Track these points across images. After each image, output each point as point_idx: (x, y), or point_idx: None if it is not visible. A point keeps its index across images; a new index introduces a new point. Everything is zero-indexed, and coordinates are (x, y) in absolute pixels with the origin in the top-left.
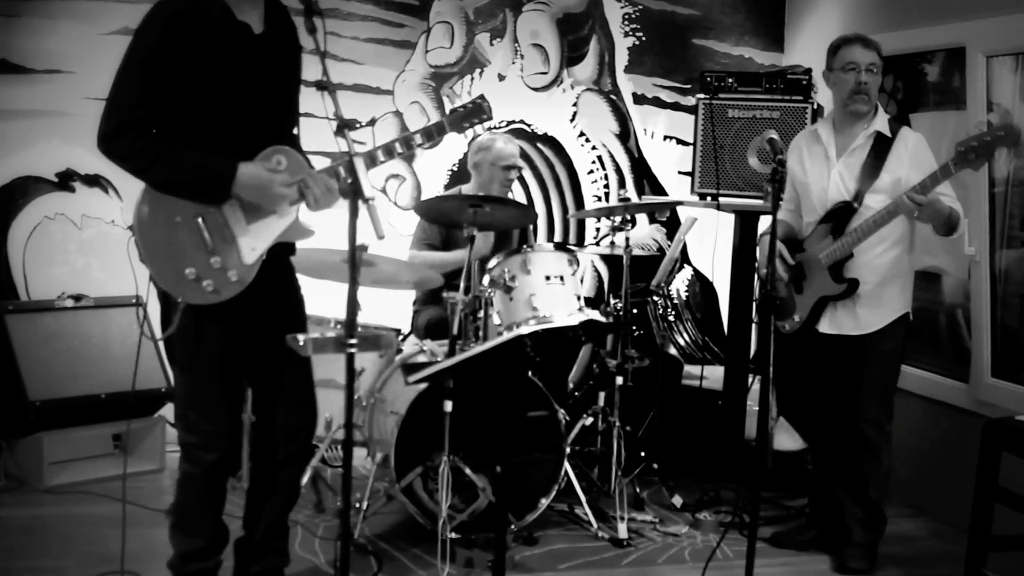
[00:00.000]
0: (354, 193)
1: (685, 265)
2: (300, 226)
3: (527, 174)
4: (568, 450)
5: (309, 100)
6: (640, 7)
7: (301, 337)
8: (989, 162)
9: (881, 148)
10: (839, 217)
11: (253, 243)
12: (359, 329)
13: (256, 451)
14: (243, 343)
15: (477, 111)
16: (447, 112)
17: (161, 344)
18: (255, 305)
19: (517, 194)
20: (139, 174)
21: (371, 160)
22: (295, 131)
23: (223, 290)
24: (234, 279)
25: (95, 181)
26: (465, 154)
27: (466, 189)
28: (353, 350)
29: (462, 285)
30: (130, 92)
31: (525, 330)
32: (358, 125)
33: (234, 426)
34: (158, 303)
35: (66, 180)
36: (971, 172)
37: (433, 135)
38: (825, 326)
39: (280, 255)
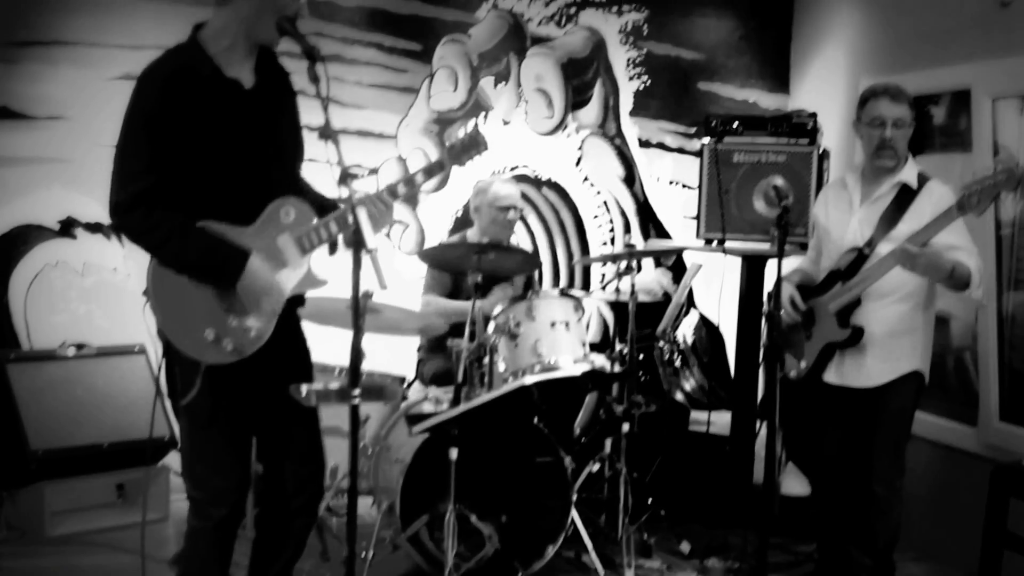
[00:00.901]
0: (356, 243)
1: (691, 310)
2: (313, 276)
3: (532, 219)
4: (575, 497)
5: (311, 146)
6: (645, 51)
7: (304, 388)
8: (995, 205)
9: (905, 198)
10: (850, 263)
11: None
12: (363, 377)
13: (265, 502)
14: (252, 396)
15: (473, 144)
16: (446, 147)
17: (167, 397)
18: (264, 358)
19: (522, 239)
20: (151, 250)
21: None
22: (299, 172)
23: (244, 348)
24: (253, 335)
25: (97, 228)
26: (469, 199)
27: (470, 234)
28: (357, 401)
29: (467, 332)
30: (137, 158)
31: (529, 380)
32: (361, 175)
33: (242, 479)
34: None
35: (68, 227)
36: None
37: (434, 172)
38: (831, 376)
39: (288, 307)
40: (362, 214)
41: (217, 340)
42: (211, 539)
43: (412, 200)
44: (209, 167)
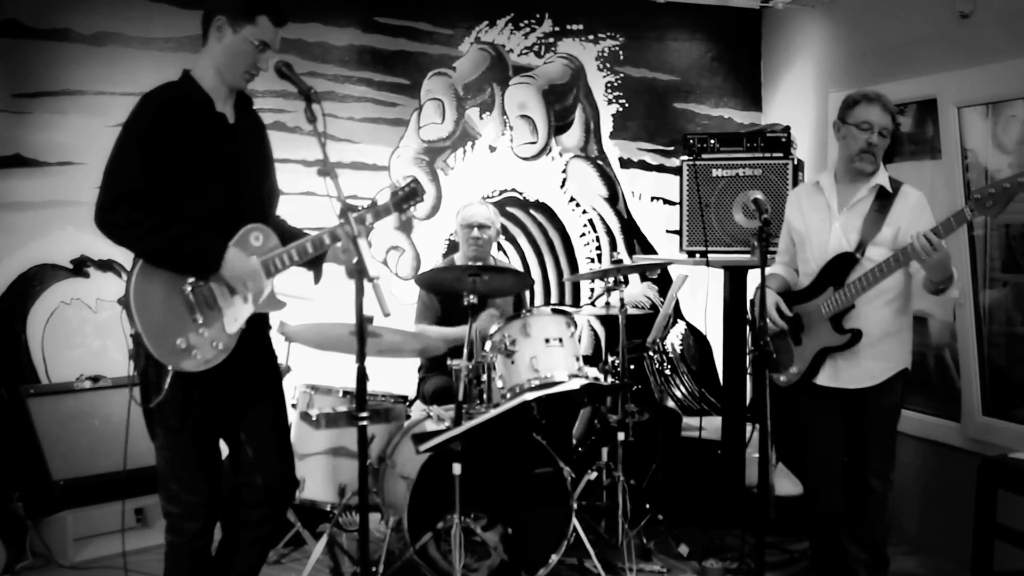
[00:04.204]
0: (359, 273)
1: (678, 320)
2: (275, 298)
3: (521, 239)
4: (575, 506)
5: (311, 179)
6: (622, 75)
7: (314, 412)
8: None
9: (883, 202)
10: (839, 268)
11: (236, 314)
12: (370, 400)
13: (232, 510)
14: (223, 408)
15: (412, 194)
16: (390, 195)
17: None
18: (234, 371)
19: (512, 259)
20: (134, 244)
21: (333, 238)
22: (275, 211)
23: (211, 358)
24: (220, 347)
25: (108, 266)
26: None
27: (456, 257)
28: (365, 423)
29: (465, 352)
30: (126, 167)
31: (530, 396)
32: (360, 206)
33: (213, 493)
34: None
35: (80, 266)
36: None
37: (381, 215)
38: (824, 379)
39: (256, 323)
40: (363, 245)
41: (188, 349)
42: (187, 552)
43: (407, 227)
44: (190, 187)
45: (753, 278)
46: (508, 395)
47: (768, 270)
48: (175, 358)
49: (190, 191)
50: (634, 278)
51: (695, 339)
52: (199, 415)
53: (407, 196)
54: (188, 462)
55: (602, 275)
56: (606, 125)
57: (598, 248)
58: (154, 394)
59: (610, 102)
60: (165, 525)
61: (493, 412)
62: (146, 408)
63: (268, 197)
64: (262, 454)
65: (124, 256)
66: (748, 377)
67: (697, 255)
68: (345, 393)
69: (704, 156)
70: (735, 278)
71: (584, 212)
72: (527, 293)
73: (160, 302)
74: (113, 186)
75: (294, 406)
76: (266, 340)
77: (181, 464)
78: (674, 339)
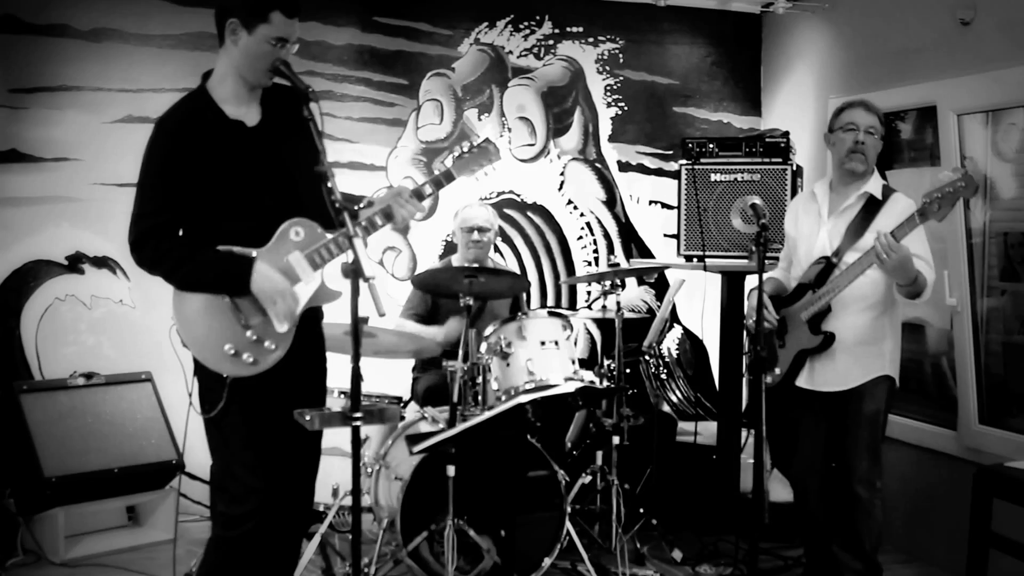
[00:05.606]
0: (355, 272)
1: (675, 324)
2: (327, 290)
3: (518, 241)
4: (569, 509)
5: None
6: (621, 78)
7: (308, 413)
8: (965, 215)
9: (871, 209)
10: (820, 272)
11: None
12: (364, 401)
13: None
14: (275, 409)
15: (483, 153)
16: (456, 155)
17: (200, 420)
18: (287, 371)
19: (509, 261)
20: (167, 277)
21: (386, 217)
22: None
23: (262, 360)
24: (272, 348)
25: (103, 263)
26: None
27: (454, 259)
28: (359, 424)
29: (460, 353)
30: (151, 200)
31: (525, 398)
32: (357, 207)
33: (267, 495)
34: (196, 380)
35: (75, 262)
36: (949, 224)
37: (442, 183)
38: (803, 381)
39: (308, 319)
40: (359, 245)
41: (237, 354)
42: (232, 549)
43: (403, 227)
44: (220, 199)
45: (751, 283)
46: (503, 397)
47: (767, 274)
48: (227, 365)
49: (220, 204)
50: (631, 282)
51: (691, 344)
52: (257, 419)
53: (475, 156)
54: (245, 462)
55: (599, 278)
56: (605, 128)
57: (595, 251)
58: (213, 401)
59: (609, 105)
60: (214, 521)
61: (488, 414)
62: (206, 415)
63: (310, 182)
64: (295, 455)
65: (120, 253)
66: (744, 382)
67: (694, 259)
68: (340, 393)
69: (703, 160)
70: (732, 283)
71: (582, 215)
72: (524, 295)
73: (201, 311)
74: (140, 221)
75: None
76: (318, 335)
77: (238, 465)
78: (670, 343)
